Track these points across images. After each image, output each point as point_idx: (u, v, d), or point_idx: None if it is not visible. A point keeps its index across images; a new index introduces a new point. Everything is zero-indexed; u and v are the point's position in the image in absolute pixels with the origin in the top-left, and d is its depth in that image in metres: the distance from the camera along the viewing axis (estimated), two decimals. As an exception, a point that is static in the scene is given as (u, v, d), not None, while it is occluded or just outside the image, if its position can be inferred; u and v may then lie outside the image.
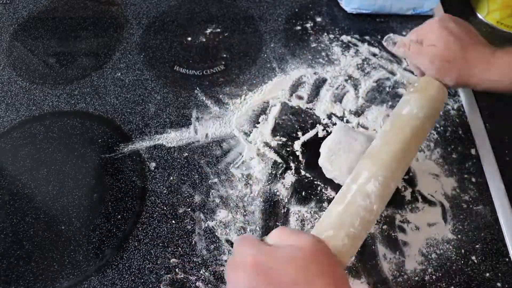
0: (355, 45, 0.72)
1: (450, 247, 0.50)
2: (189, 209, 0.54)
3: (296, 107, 0.64)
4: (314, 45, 0.72)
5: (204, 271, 0.49)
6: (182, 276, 0.49)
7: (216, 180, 0.56)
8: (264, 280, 0.33)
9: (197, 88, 0.67)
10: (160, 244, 0.51)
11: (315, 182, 0.56)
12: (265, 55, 0.71)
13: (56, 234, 0.52)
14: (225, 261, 0.50)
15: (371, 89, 0.66)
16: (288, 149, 0.59)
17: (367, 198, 0.42)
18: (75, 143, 0.61)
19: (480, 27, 0.76)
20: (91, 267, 0.50)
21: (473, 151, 0.58)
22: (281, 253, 0.35)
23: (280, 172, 0.57)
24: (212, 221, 0.53)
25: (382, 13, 0.75)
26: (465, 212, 0.53)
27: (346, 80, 0.67)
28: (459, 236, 0.51)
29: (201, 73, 0.69)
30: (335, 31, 0.74)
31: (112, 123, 0.63)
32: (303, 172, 0.57)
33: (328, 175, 0.54)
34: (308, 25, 0.75)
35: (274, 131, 0.61)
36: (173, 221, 0.53)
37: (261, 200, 0.54)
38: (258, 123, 0.62)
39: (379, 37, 0.73)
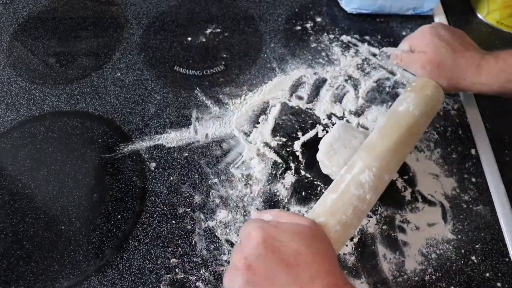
0: (355, 45, 0.72)
1: (450, 247, 0.50)
2: (189, 209, 0.54)
3: (296, 107, 0.64)
4: (314, 45, 0.72)
5: (204, 271, 0.49)
6: (182, 276, 0.49)
7: (216, 180, 0.56)
8: (269, 248, 0.35)
9: (197, 88, 0.67)
10: (160, 244, 0.51)
11: (315, 182, 0.56)
12: (265, 55, 0.71)
13: (56, 234, 0.52)
14: (225, 261, 0.50)
15: (371, 89, 0.66)
16: (288, 149, 0.59)
17: (360, 187, 0.43)
18: (75, 143, 0.61)
19: (480, 27, 0.76)
20: (91, 267, 0.50)
21: (473, 151, 0.58)
22: (286, 226, 0.38)
23: (280, 172, 0.57)
24: (212, 221, 0.53)
25: (382, 13, 0.75)
26: (465, 212, 0.53)
27: (346, 80, 0.67)
28: (459, 236, 0.51)
29: (201, 73, 0.69)
30: (335, 31, 0.74)
31: (112, 123, 0.63)
32: (303, 172, 0.57)
33: (324, 171, 0.54)
34: (308, 25, 0.75)
35: (274, 131, 0.61)
36: (173, 221, 0.53)
37: (261, 200, 0.54)
38: (258, 123, 0.62)
39: (379, 37, 0.73)
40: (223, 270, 0.49)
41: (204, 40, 0.74)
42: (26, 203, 0.55)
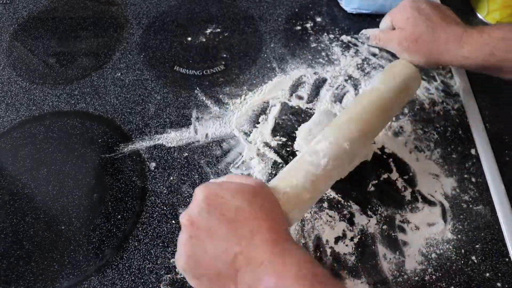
0: (355, 45, 0.72)
1: (450, 247, 0.50)
2: (189, 209, 0.54)
3: (296, 107, 0.64)
4: (314, 45, 0.72)
5: (204, 271, 0.49)
6: (182, 276, 0.49)
7: (216, 180, 0.56)
8: (211, 205, 0.37)
9: (197, 88, 0.67)
10: (160, 244, 0.51)
11: (315, 182, 0.56)
12: (265, 55, 0.71)
13: (56, 234, 0.52)
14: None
15: (371, 89, 0.66)
16: (288, 149, 0.59)
17: (314, 154, 0.43)
18: (75, 143, 0.61)
19: (480, 27, 0.76)
20: (91, 267, 0.50)
21: (473, 151, 0.58)
22: (229, 185, 0.39)
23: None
24: (212, 221, 0.53)
25: (382, 13, 0.75)
26: (465, 212, 0.53)
27: (346, 80, 0.67)
28: (459, 236, 0.51)
29: (201, 73, 0.69)
30: (335, 31, 0.74)
31: (112, 123, 0.63)
32: (303, 172, 0.57)
33: None
34: (308, 25, 0.75)
35: (274, 131, 0.61)
36: (173, 221, 0.53)
37: (261, 200, 0.54)
38: (258, 123, 0.62)
39: (379, 37, 0.73)
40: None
41: (204, 40, 0.74)
42: (26, 203, 0.55)
